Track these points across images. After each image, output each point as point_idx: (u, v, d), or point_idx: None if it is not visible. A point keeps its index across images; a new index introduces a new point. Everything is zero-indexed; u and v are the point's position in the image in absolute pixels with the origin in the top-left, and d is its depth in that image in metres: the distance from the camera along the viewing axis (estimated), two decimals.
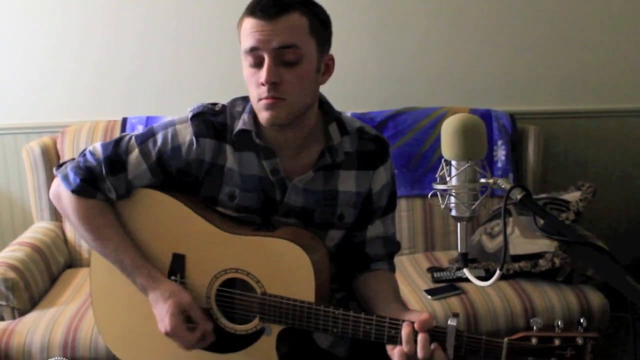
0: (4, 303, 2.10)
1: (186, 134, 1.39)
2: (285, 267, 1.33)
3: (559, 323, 1.18)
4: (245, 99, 1.42)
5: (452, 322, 1.22)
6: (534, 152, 2.66)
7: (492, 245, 2.34)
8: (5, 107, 2.76)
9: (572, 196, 2.30)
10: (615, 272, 0.97)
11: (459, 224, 1.17)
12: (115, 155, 1.39)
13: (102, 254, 1.43)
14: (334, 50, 1.39)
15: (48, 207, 2.55)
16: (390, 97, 2.80)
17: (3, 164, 2.78)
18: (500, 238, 2.31)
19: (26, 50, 2.73)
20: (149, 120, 2.60)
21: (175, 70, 2.78)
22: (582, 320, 1.18)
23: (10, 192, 2.80)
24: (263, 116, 1.32)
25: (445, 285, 2.23)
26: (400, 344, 1.23)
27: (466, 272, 1.18)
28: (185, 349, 1.35)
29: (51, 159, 2.56)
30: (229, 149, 1.40)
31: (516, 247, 2.23)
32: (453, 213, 1.16)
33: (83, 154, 1.42)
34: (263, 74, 1.27)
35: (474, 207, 1.14)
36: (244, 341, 1.37)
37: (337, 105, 1.48)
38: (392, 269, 1.55)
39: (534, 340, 1.17)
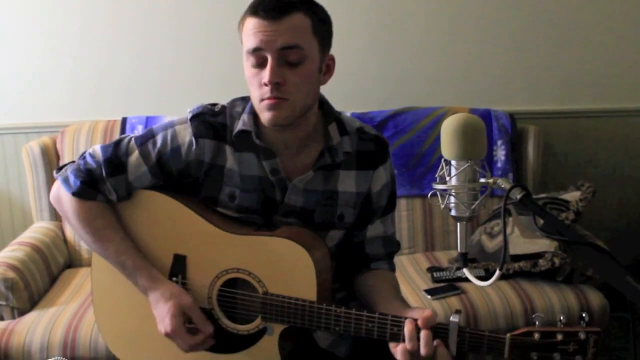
0: (3, 303, 2.10)
1: (185, 134, 1.39)
2: (286, 267, 1.33)
3: (562, 318, 1.19)
4: (245, 100, 1.42)
5: (454, 318, 1.22)
6: (534, 152, 2.66)
7: (491, 245, 2.34)
8: (5, 107, 2.76)
9: (572, 196, 2.30)
10: (615, 271, 0.98)
11: (458, 224, 1.17)
12: (115, 157, 1.39)
13: (103, 256, 1.43)
14: (334, 50, 1.39)
15: (48, 207, 2.55)
16: (390, 97, 2.80)
17: (3, 164, 2.78)
18: (500, 238, 2.31)
19: (26, 50, 2.73)
20: (148, 120, 2.60)
21: (175, 70, 2.78)
22: (584, 315, 1.18)
23: (9, 192, 2.80)
24: (265, 116, 1.32)
25: (445, 285, 2.23)
26: (403, 341, 1.23)
27: (466, 272, 1.18)
28: (185, 351, 1.35)
29: (51, 159, 2.56)
30: (228, 149, 1.40)
31: (516, 247, 2.23)
32: (453, 213, 1.16)
33: (83, 156, 1.42)
34: (266, 74, 1.27)
35: (473, 206, 1.14)
36: (246, 341, 1.37)
37: (337, 105, 1.48)
38: (392, 268, 1.55)
39: (536, 336, 1.18)
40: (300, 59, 1.29)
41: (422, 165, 2.63)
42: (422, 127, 2.63)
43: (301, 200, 1.42)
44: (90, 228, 1.41)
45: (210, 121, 1.40)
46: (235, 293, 1.38)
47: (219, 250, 1.37)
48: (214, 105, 1.43)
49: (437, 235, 2.60)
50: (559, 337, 1.17)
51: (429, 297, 2.17)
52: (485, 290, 2.17)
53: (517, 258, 2.22)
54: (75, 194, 1.39)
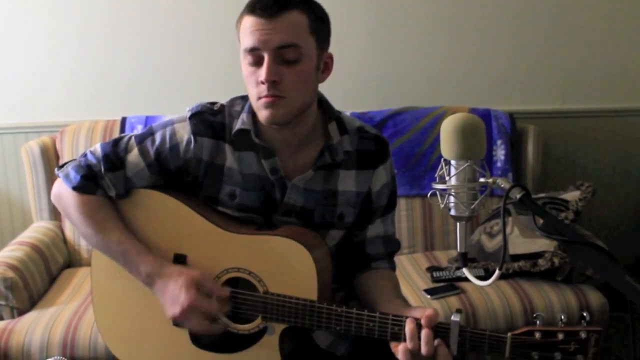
0: (3, 302, 2.10)
1: (184, 133, 1.40)
2: (287, 266, 1.33)
3: (563, 317, 1.19)
4: (244, 99, 1.42)
5: (455, 317, 1.22)
6: (534, 151, 2.66)
7: (491, 244, 2.34)
8: (4, 107, 2.76)
9: (572, 196, 2.30)
10: (615, 271, 0.98)
11: (458, 224, 1.17)
12: (114, 153, 1.40)
13: (105, 248, 1.42)
14: (333, 50, 1.39)
15: (47, 206, 2.55)
16: (389, 97, 2.80)
17: (2, 164, 2.78)
18: (500, 237, 2.31)
19: (26, 50, 2.72)
20: (148, 119, 2.60)
21: (174, 70, 2.78)
22: (584, 314, 1.18)
23: (9, 192, 2.80)
24: (262, 114, 1.32)
25: (444, 285, 2.23)
26: (404, 340, 1.23)
27: (465, 272, 1.18)
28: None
29: (50, 159, 2.56)
30: (228, 148, 1.40)
31: (515, 247, 2.23)
32: (452, 212, 1.16)
33: (84, 154, 1.44)
34: (263, 72, 1.27)
35: (473, 206, 1.14)
36: (247, 341, 1.37)
37: (337, 105, 1.48)
38: (393, 267, 1.55)
39: (537, 335, 1.18)
40: (297, 57, 1.29)
41: (421, 164, 2.63)
42: (421, 127, 2.63)
43: (301, 200, 1.42)
44: (91, 220, 1.40)
45: (209, 120, 1.40)
46: (236, 292, 1.38)
47: (220, 250, 1.37)
48: (213, 104, 1.43)
49: (436, 235, 2.60)
50: (560, 336, 1.17)
51: (429, 296, 2.17)
52: (485, 290, 2.17)
53: (516, 258, 2.22)
54: (76, 188, 1.40)
